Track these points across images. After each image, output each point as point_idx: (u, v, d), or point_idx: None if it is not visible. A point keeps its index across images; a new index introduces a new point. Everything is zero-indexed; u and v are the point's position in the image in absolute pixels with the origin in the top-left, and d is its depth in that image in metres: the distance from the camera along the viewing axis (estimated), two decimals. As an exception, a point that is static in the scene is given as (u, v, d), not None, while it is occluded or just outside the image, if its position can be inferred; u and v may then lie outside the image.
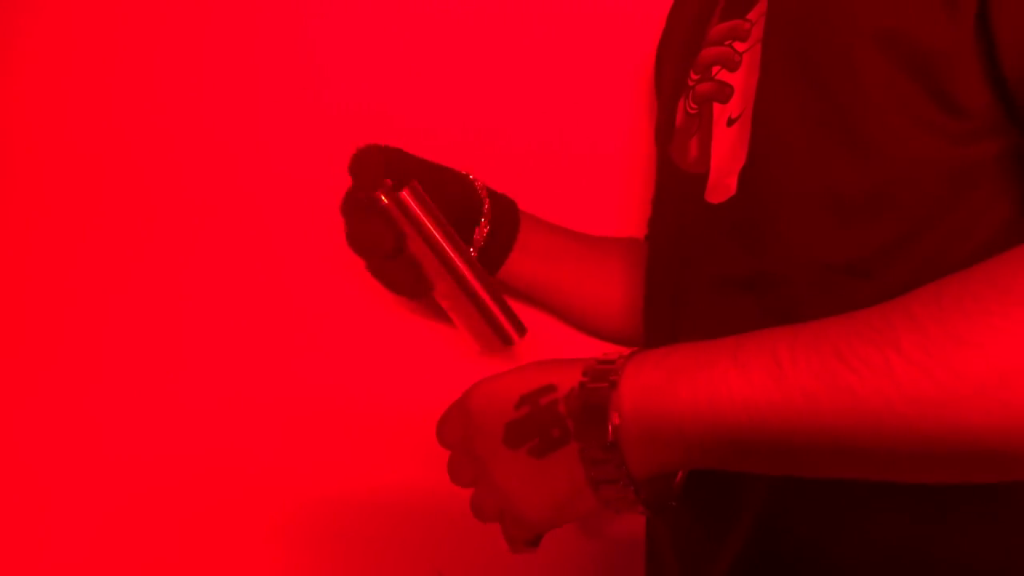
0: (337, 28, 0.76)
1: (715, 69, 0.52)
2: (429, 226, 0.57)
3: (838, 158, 0.44)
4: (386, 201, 0.56)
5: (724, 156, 0.50)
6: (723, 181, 0.50)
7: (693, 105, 0.55)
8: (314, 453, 0.73)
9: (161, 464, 0.73)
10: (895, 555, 0.41)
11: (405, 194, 0.56)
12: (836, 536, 0.43)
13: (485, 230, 0.63)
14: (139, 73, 0.76)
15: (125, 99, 0.76)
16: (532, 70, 0.74)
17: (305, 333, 0.74)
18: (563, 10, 0.74)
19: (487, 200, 0.63)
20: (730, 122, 0.50)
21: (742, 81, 0.50)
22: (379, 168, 0.56)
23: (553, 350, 0.47)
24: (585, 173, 0.74)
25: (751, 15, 0.50)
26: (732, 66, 0.51)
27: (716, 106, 0.52)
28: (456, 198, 0.62)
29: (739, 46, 0.51)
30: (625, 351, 0.41)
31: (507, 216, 0.65)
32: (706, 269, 0.51)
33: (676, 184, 0.56)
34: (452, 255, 0.58)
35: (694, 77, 0.55)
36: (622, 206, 0.75)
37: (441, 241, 0.58)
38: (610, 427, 0.38)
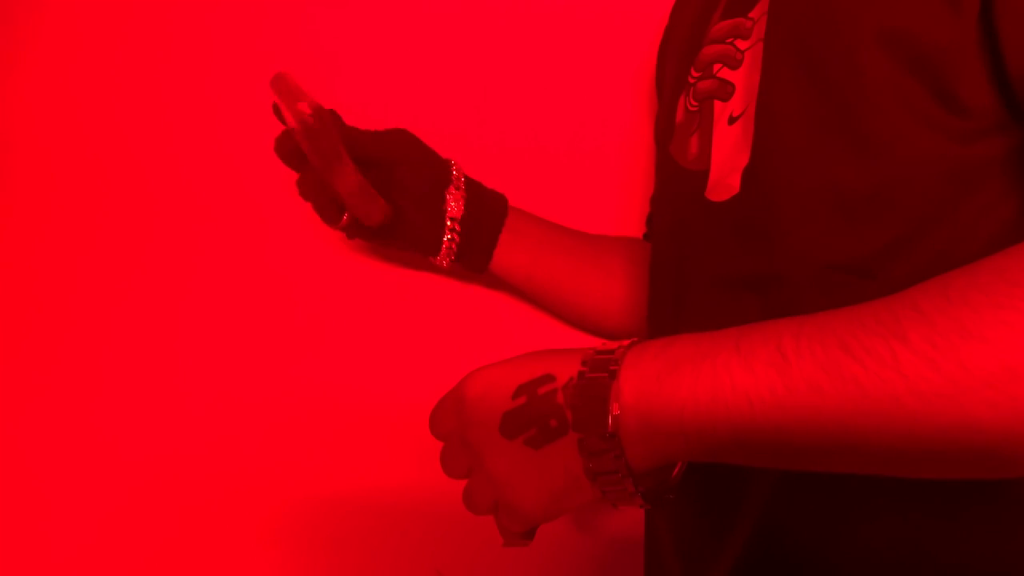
0: (339, 26, 0.76)
1: (716, 67, 0.52)
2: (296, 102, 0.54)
3: (841, 157, 0.43)
4: (276, 98, 0.54)
5: (726, 154, 0.50)
6: (725, 179, 0.49)
7: (694, 102, 0.54)
8: (312, 452, 0.72)
9: (157, 462, 0.72)
10: (898, 556, 0.41)
11: (275, 78, 0.54)
12: (838, 536, 0.42)
13: (460, 199, 0.63)
14: (139, 72, 0.76)
15: (125, 98, 0.76)
16: (532, 68, 0.74)
17: (301, 331, 0.74)
18: (564, 8, 0.74)
19: (461, 177, 0.64)
20: (732, 120, 0.50)
21: (744, 79, 0.50)
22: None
23: (549, 346, 0.46)
24: (584, 171, 0.74)
25: (753, 13, 0.50)
26: (734, 64, 0.51)
27: (717, 104, 0.52)
28: (422, 163, 0.63)
29: (741, 44, 0.51)
30: (625, 341, 0.40)
31: (491, 198, 0.65)
32: (707, 268, 0.50)
33: (676, 181, 0.55)
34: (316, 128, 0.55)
35: (695, 74, 0.55)
36: (622, 204, 0.75)
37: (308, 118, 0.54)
38: (609, 418, 0.37)
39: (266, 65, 0.74)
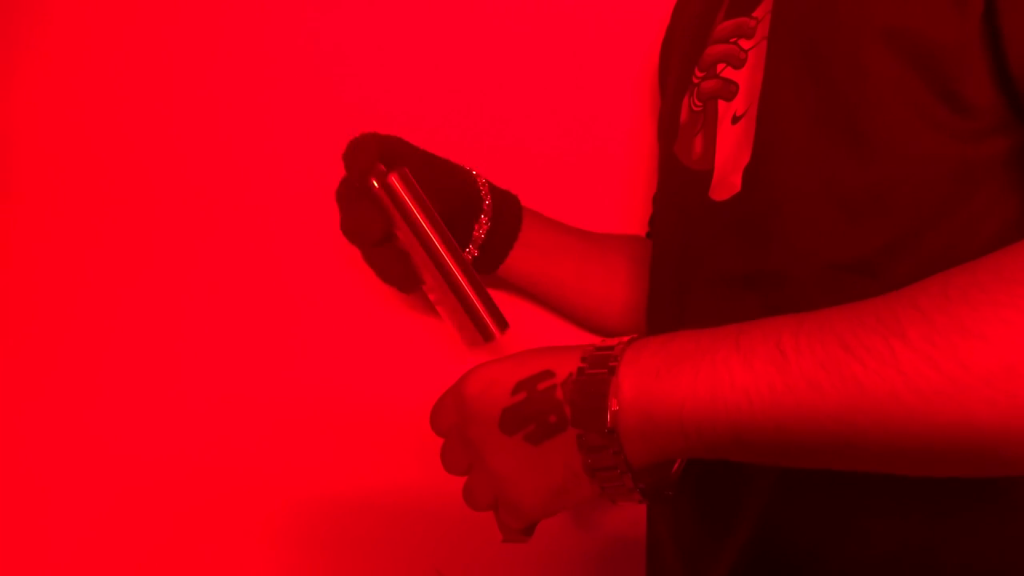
0: (342, 25, 0.76)
1: (720, 66, 0.52)
2: (415, 213, 0.56)
3: (844, 155, 0.43)
4: (376, 186, 0.55)
5: (729, 153, 0.50)
6: (727, 178, 0.49)
7: (697, 102, 0.54)
8: (312, 452, 0.72)
9: (158, 463, 0.72)
10: (898, 556, 0.41)
11: (393, 178, 0.55)
12: (839, 537, 0.42)
13: (485, 227, 0.62)
14: (138, 70, 0.76)
15: (125, 98, 0.76)
16: (536, 68, 0.74)
17: (300, 330, 0.74)
18: (567, 7, 0.74)
19: (488, 196, 0.62)
20: (735, 119, 0.50)
21: (747, 78, 0.50)
22: (372, 153, 0.55)
23: (549, 343, 0.46)
24: (588, 170, 0.74)
25: (757, 12, 0.50)
26: (737, 63, 0.51)
27: (721, 103, 0.52)
28: (454, 191, 0.61)
29: (744, 43, 0.51)
30: (624, 337, 0.40)
31: (509, 212, 0.65)
32: (709, 266, 0.50)
33: (680, 181, 0.55)
34: (437, 244, 0.56)
35: (699, 74, 0.55)
36: (625, 203, 0.74)
37: (427, 229, 0.56)
38: (609, 413, 0.38)
39: (266, 65, 0.75)
